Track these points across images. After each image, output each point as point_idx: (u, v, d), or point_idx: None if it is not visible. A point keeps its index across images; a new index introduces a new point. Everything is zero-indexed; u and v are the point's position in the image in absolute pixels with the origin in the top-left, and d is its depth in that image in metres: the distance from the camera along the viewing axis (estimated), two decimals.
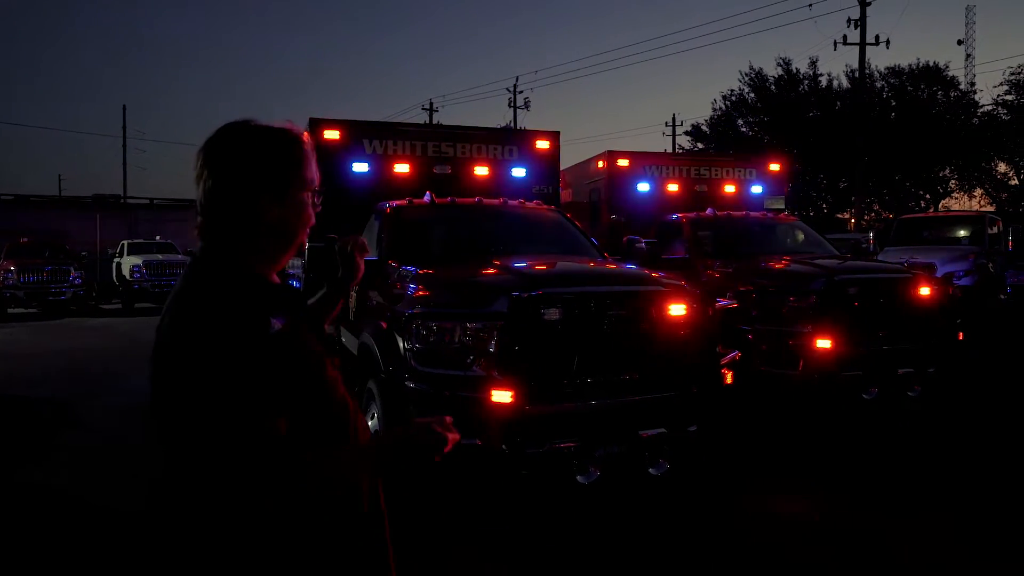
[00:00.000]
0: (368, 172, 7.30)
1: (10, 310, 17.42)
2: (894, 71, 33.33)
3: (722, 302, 4.89)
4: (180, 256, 19.90)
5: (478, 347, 3.97)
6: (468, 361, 3.98)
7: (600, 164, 10.28)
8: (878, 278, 6.47)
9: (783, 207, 10.36)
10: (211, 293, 1.32)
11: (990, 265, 12.45)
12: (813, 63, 34.09)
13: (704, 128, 37.70)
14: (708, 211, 8.67)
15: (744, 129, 36.02)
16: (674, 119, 43.71)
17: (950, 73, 33.20)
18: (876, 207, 35.76)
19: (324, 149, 6.84)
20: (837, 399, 6.00)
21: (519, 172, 7.82)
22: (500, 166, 7.85)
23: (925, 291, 6.20)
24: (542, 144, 8.02)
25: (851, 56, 73.11)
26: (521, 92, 42.83)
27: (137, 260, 18.93)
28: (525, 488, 4.48)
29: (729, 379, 4.43)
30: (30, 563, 3.79)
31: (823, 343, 5.83)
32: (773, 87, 35.07)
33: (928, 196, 34.36)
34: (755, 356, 6.15)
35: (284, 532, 1.30)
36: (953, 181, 34.18)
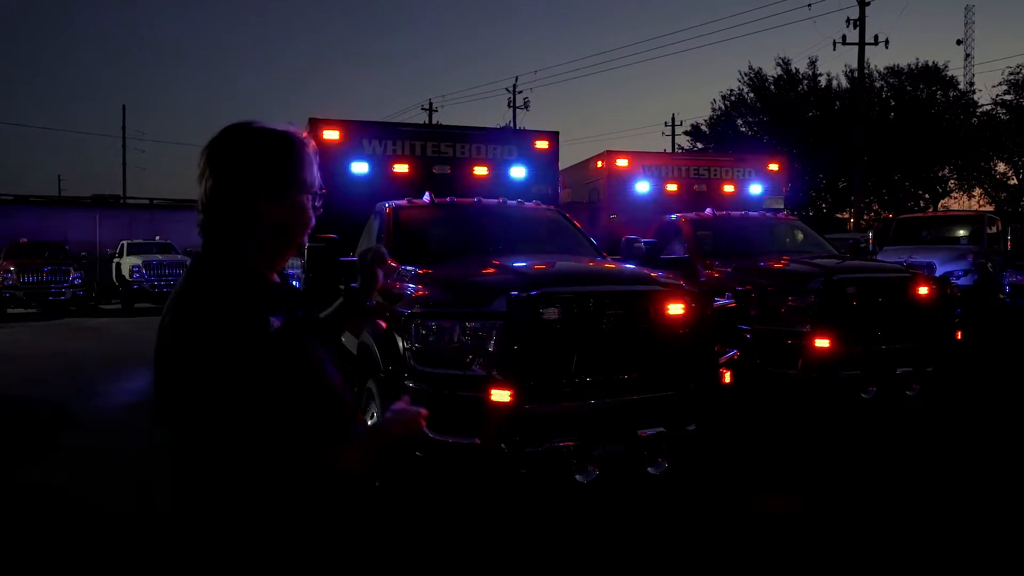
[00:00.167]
0: (367, 172, 7.31)
1: (10, 310, 17.43)
2: (893, 71, 33.38)
3: (721, 301, 4.88)
4: (180, 256, 19.88)
5: (477, 346, 3.98)
6: (467, 360, 3.98)
7: (599, 164, 10.28)
8: (877, 278, 6.47)
9: (782, 207, 10.37)
10: (211, 293, 1.34)
11: (989, 265, 12.44)
12: (812, 63, 34.21)
13: (703, 128, 37.71)
14: (707, 211, 8.67)
15: (743, 129, 36.00)
16: (673, 119, 43.80)
17: (949, 73, 33.32)
18: (875, 207, 35.76)
19: (324, 149, 6.84)
20: (836, 398, 5.99)
21: (518, 172, 7.83)
22: (499, 166, 7.86)
23: (924, 291, 6.20)
24: (541, 144, 8.02)
25: (850, 56, 73.17)
26: (520, 92, 42.93)
27: (137, 260, 18.93)
28: (524, 487, 4.48)
29: (728, 378, 4.42)
30: (30, 563, 3.80)
31: (822, 342, 5.83)
32: (772, 87, 35.09)
33: (927, 196, 34.36)
34: (754, 355, 6.15)
35: (289, 528, 1.30)
36: (952, 181, 34.19)
